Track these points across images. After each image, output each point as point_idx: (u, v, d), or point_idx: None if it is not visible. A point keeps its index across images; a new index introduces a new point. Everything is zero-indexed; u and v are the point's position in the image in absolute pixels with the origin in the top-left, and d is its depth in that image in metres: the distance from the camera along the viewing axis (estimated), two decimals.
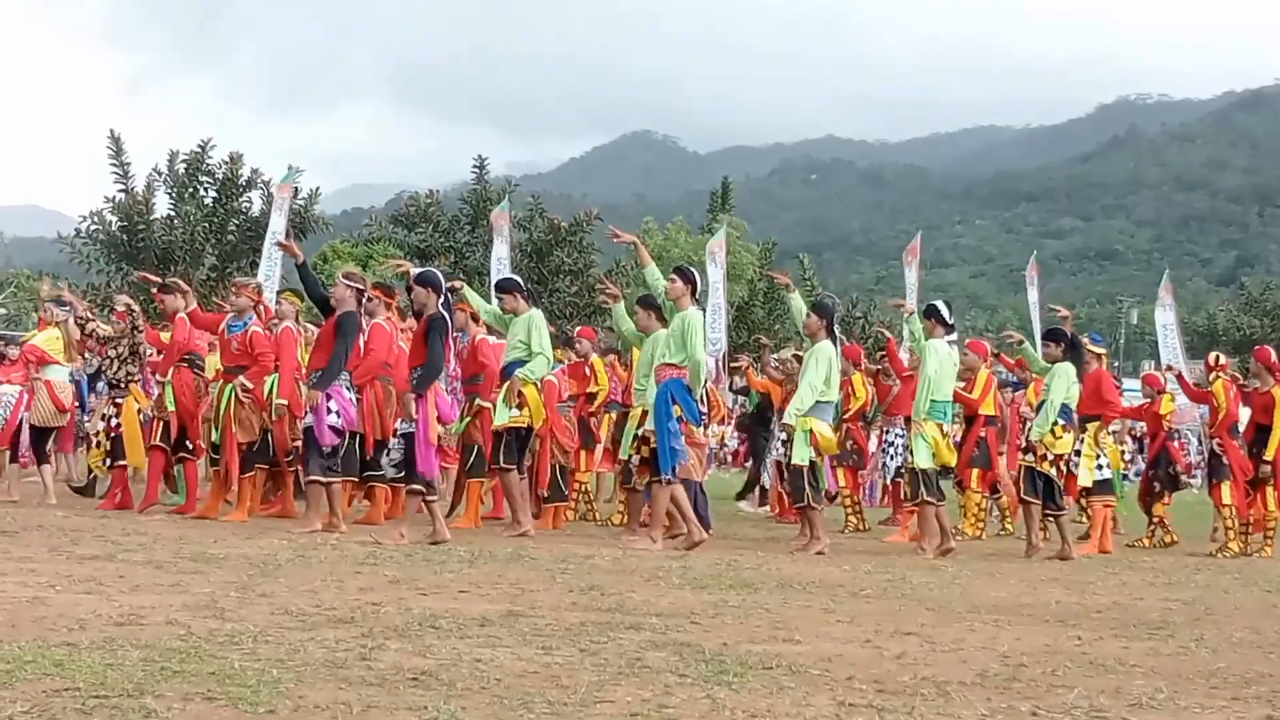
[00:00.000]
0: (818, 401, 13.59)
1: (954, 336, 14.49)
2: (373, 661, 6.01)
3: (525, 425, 14.19)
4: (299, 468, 14.26)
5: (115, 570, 8.99)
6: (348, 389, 13.32)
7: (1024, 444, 14.68)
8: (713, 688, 5.83)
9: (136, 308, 15.58)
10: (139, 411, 15.26)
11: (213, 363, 15.14)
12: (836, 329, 14.06)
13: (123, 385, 15.28)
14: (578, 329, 17.89)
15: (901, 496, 16.40)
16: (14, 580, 8.18)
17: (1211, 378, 16.86)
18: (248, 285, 15.04)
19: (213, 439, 14.45)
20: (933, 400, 13.94)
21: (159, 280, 16.14)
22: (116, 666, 5.58)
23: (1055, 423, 14.32)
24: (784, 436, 14.26)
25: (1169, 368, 21.76)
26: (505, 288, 14.64)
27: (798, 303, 14.77)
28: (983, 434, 16.24)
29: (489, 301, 15.52)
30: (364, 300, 13.72)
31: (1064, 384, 14.42)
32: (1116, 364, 67.56)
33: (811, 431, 13.57)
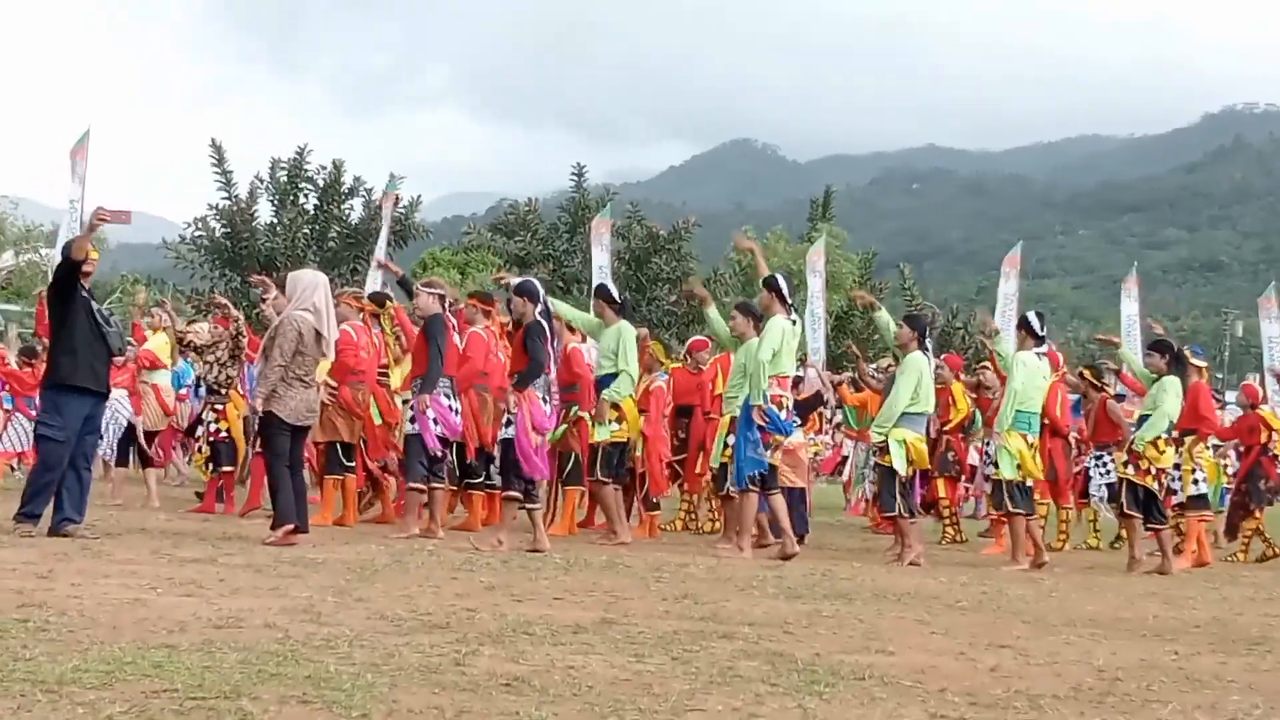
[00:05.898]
0: (906, 413, 13.58)
1: (1044, 348, 14.34)
2: (466, 667, 6.05)
3: (624, 439, 14.26)
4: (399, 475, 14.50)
5: (215, 573, 9.10)
6: (446, 397, 13.44)
7: (1125, 455, 14.55)
8: (804, 698, 5.83)
9: (237, 312, 15.66)
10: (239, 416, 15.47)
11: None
12: (929, 341, 14.03)
13: (223, 391, 15.41)
14: (690, 341, 17.86)
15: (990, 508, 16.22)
16: (116, 582, 8.31)
17: None
18: (357, 295, 15.25)
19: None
20: (1018, 410, 13.82)
21: (270, 280, 16.22)
22: (214, 669, 5.65)
23: (1159, 436, 14.20)
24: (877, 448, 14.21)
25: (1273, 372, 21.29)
26: (596, 294, 14.72)
27: (883, 318, 14.75)
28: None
29: (583, 310, 15.66)
30: (447, 304, 13.83)
31: (1174, 398, 14.29)
32: (1221, 377, 66.66)
33: (904, 442, 13.56)
